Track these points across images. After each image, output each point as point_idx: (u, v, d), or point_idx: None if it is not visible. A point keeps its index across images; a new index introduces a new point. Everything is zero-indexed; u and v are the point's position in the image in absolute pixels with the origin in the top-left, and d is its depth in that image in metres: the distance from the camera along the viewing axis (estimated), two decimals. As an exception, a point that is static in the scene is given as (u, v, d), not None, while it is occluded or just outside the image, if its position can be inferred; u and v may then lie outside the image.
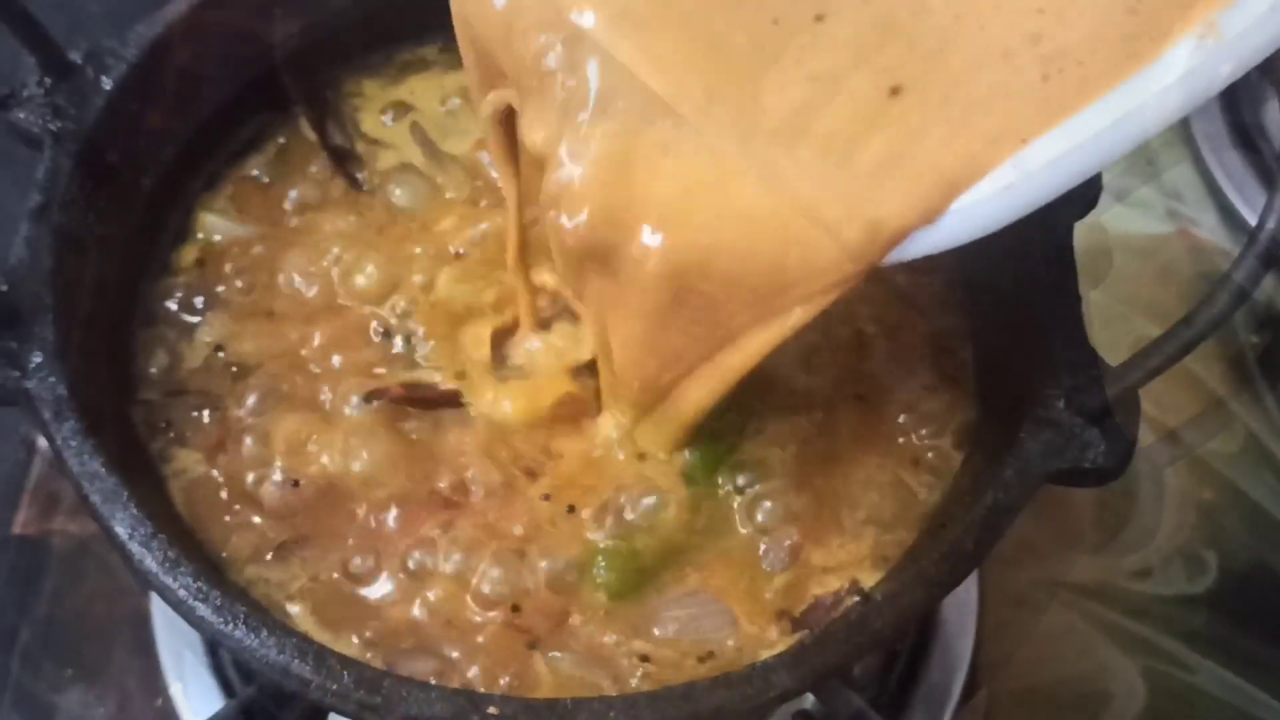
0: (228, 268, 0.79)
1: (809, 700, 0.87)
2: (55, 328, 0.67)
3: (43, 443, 0.96)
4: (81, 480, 0.63)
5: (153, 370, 0.75)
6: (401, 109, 0.86)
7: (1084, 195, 0.77)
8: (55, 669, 0.87)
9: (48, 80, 0.74)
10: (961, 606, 0.93)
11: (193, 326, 0.77)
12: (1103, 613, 0.95)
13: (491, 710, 0.59)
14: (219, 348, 0.76)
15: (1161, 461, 1.02)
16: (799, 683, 0.62)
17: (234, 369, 0.75)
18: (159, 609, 0.88)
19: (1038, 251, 0.74)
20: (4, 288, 0.67)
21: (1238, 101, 1.21)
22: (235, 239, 0.79)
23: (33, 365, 0.65)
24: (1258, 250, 0.59)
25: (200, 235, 0.80)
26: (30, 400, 0.65)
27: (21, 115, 0.73)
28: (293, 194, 0.82)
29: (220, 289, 0.78)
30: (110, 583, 0.90)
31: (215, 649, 0.87)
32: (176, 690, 0.86)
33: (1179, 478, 1.02)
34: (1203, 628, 0.96)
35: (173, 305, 0.77)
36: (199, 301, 0.77)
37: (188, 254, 0.79)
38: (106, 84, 0.75)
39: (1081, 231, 0.76)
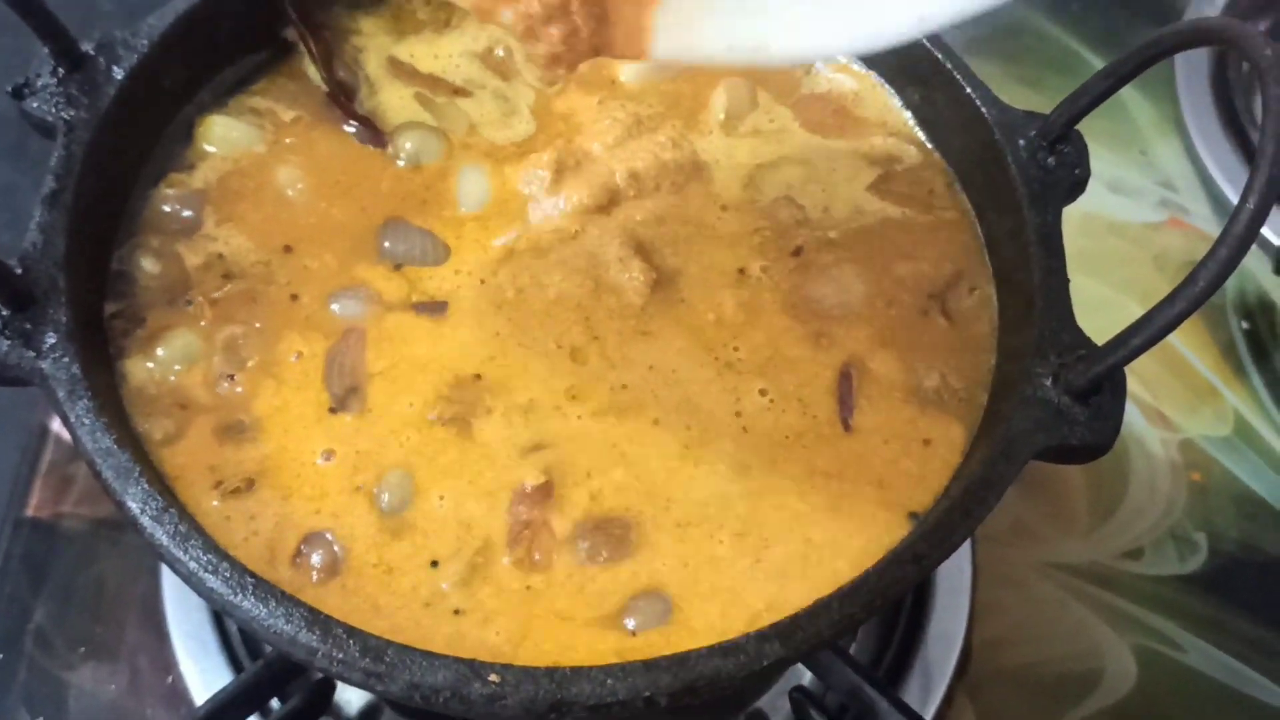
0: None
1: (806, 677, 0.89)
2: (68, 309, 0.68)
3: (54, 427, 0.98)
4: (95, 457, 0.65)
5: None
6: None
7: (1072, 180, 0.79)
8: (67, 648, 0.89)
9: (60, 70, 0.75)
10: (955, 586, 0.95)
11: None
12: (1095, 592, 0.97)
13: (492, 678, 0.61)
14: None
15: (1153, 444, 1.03)
16: (792, 651, 0.63)
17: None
18: (169, 589, 0.90)
19: (1027, 235, 0.76)
20: (19, 271, 0.68)
21: (1229, 91, 1.23)
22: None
23: (47, 346, 0.67)
24: (1238, 229, 0.61)
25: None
26: (45, 379, 0.67)
27: (35, 104, 0.75)
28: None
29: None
30: (121, 564, 0.92)
31: (224, 627, 0.89)
32: (187, 668, 0.88)
33: (1170, 460, 1.03)
34: (1193, 607, 0.97)
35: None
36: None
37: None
38: (118, 73, 0.76)
39: (1075, 220, 0.78)
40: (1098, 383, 0.69)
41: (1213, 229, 1.17)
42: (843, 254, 0.82)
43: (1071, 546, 0.99)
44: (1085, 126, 0.80)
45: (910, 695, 0.91)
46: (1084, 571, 0.98)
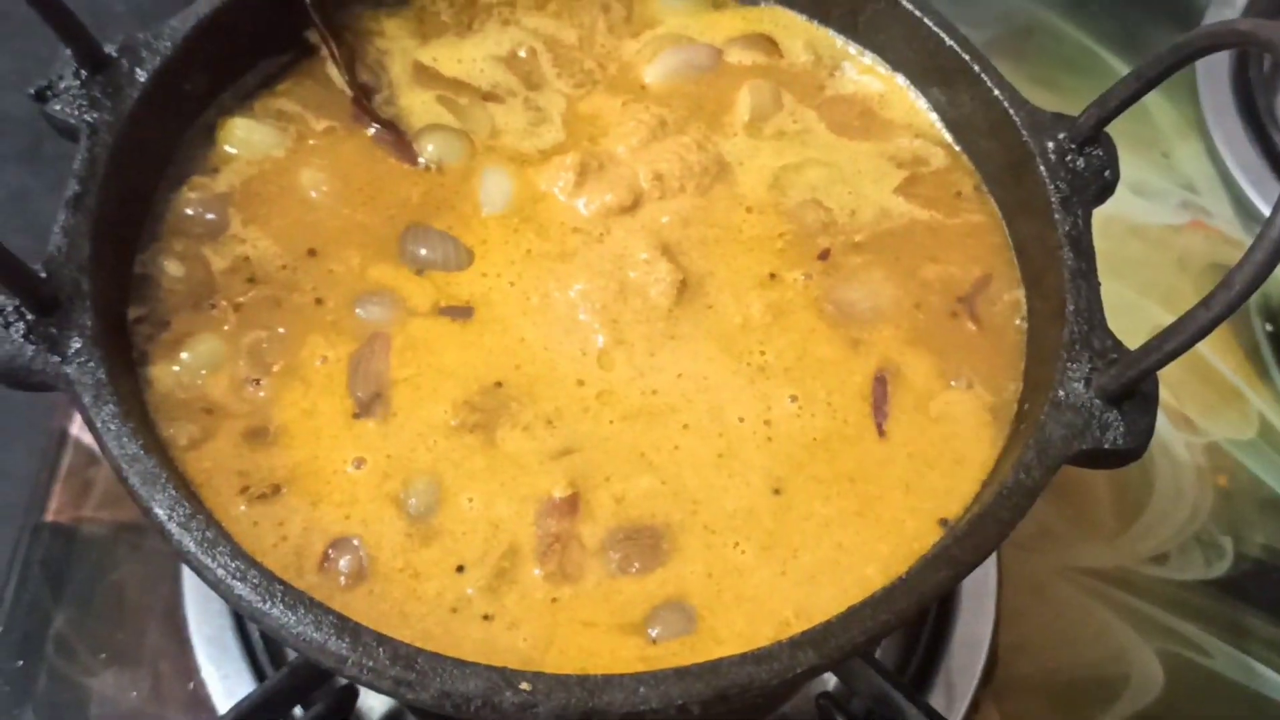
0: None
1: (832, 683, 0.89)
2: (93, 313, 0.68)
3: (74, 431, 0.97)
4: (121, 462, 0.64)
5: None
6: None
7: (1101, 183, 0.78)
8: (89, 653, 0.88)
9: (83, 73, 0.75)
10: (980, 591, 0.94)
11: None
12: (1121, 597, 0.96)
13: (524, 686, 0.60)
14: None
15: (1178, 448, 1.03)
16: (826, 659, 0.62)
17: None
18: (191, 594, 0.89)
19: (1057, 238, 0.76)
20: (43, 275, 0.68)
21: (1250, 92, 1.22)
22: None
23: (72, 350, 0.66)
24: (1274, 233, 0.60)
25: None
26: (70, 384, 0.66)
27: (58, 107, 0.74)
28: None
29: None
30: (142, 569, 0.91)
31: (246, 633, 0.88)
32: (209, 674, 0.87)
33: (1195, 464, 1.03)
34: (1219, 612, 0.97)
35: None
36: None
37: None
38: (141, 76, 0.76)
39: (1097, 222, 0.77)
40: (1131, 387, 0.69)
41: (1235, 231, 1.17)
42: (870, 257, 0.82)
43: (1097, 551, 0.98)
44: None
45: (936, 701, 0.90)
46: (1110, 576, 0.97)
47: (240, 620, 0.89)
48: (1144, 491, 1.01)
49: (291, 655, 0.86)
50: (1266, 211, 1.17)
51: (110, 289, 0.72)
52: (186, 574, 0.90)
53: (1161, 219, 1.15)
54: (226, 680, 0.87)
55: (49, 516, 0.93)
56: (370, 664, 0.60)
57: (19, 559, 0.91)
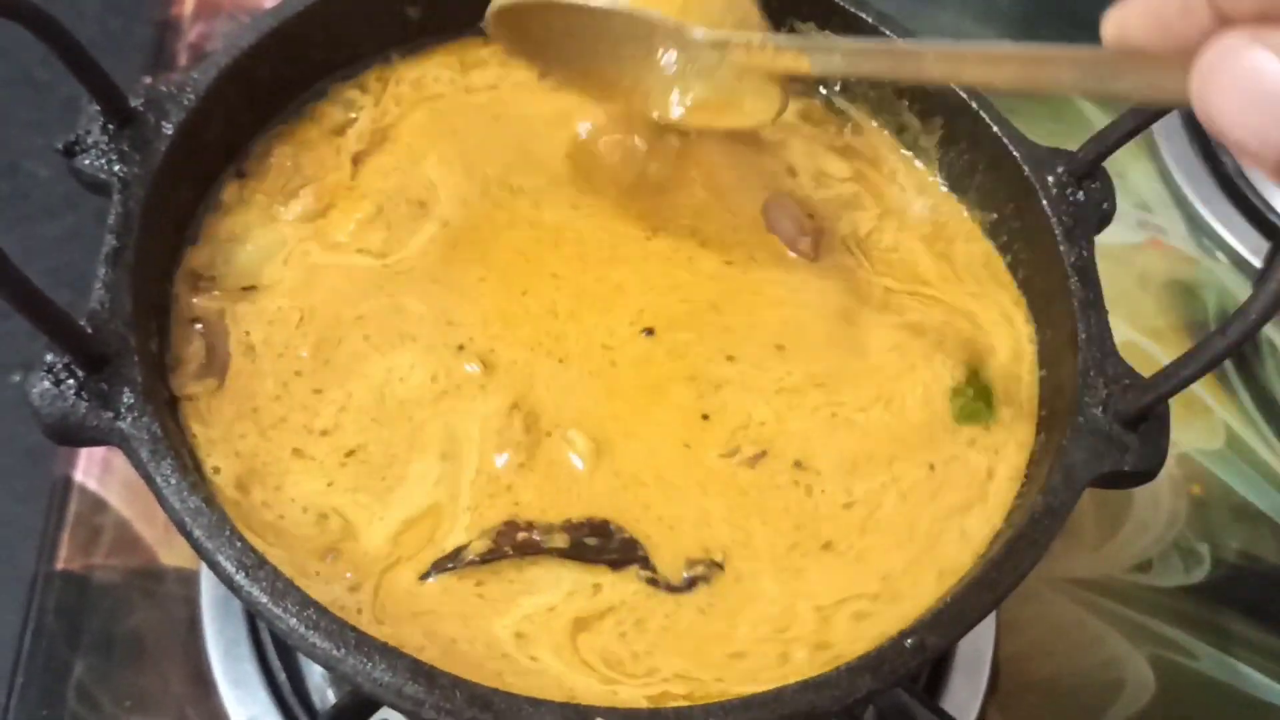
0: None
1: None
2: (141, 367, 0.68)
3: (78, 477, 0.97)
4: (184, 516, 0.65)
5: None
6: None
7: (1099, 215, 0.82)
8: (112, 702, 0.87)
9: (110, 127, 0.75)
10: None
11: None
12: (1109, 605, 1.00)
13: (598, 720, 0.62)
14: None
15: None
16: (882, 683, 0.65)
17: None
18: (213, 638, 0.89)
19: (1064, 269, 0.79)
20: (89, 331, 0.68)
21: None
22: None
23: (124, 406, 0.67)
24: (1286, 266, 0.64)
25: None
26: (126, 440, 0.66)
27: (87, 162, 0.74)
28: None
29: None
30: (160, 614, 0.91)
31: (272, 674, 0.88)
32: (237, 716, 0.87)
33: (1169, 474, 1.07)
34: (1202, 616, 1.01)
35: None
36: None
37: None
38: (168, 129, 0.76)
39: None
40: (1147, 412, 0.72)
41: (1189, 248, 1.22)
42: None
43: (1083, 562, 1.02)
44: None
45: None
46: (1097, 585, 1.01)
47: (265, 661, 0.89)
48: (1124, 502, 1.05)
49: (326, 696, 0.87)
50: (1218, 228, 1.23)
51: (151, 341, 0.73)
52: (208, 617, 0.90)
53: (1121, 238, 1.20)
54: (255, 722, 0.87)
55: (59, 565, 0.93)
56: (448, 706, 0.62)
57: (33, 609, 0.91)
